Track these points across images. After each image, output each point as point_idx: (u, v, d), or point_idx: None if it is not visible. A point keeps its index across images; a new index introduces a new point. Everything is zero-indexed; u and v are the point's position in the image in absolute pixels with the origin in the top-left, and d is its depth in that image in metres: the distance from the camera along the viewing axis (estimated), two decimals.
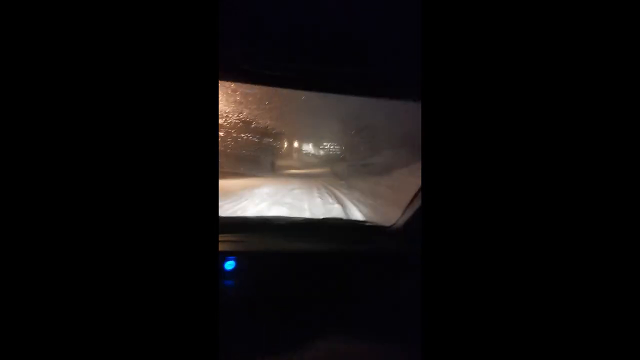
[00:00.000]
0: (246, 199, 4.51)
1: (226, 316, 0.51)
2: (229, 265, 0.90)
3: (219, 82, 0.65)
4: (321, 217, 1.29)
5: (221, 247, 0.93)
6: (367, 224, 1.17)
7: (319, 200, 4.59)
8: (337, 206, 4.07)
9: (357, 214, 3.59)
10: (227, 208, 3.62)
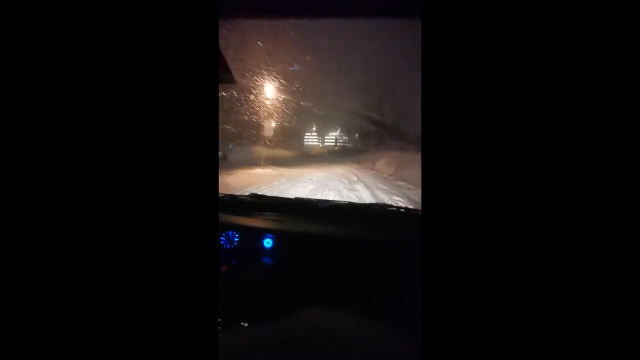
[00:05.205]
0: None
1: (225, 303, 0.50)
2: (267, 243, 0.87)
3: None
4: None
5: (259, 224, 0.92)
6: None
7: None
8: None
9: None
10: None
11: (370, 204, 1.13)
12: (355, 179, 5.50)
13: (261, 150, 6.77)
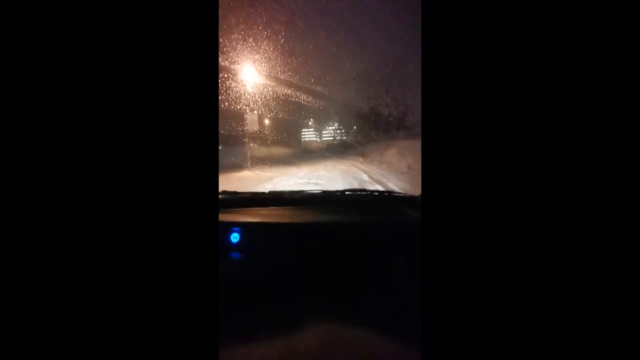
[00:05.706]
0: None
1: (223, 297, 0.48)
2: (234, 237, 0.85)
3: None
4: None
5: (232, 218, 0.89)
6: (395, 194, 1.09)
7: None
8: None
9: None
10: None
11: (344, 191, 1.10)
12: (366, 177, 4.40)
13: (248, 148, 5.67)
